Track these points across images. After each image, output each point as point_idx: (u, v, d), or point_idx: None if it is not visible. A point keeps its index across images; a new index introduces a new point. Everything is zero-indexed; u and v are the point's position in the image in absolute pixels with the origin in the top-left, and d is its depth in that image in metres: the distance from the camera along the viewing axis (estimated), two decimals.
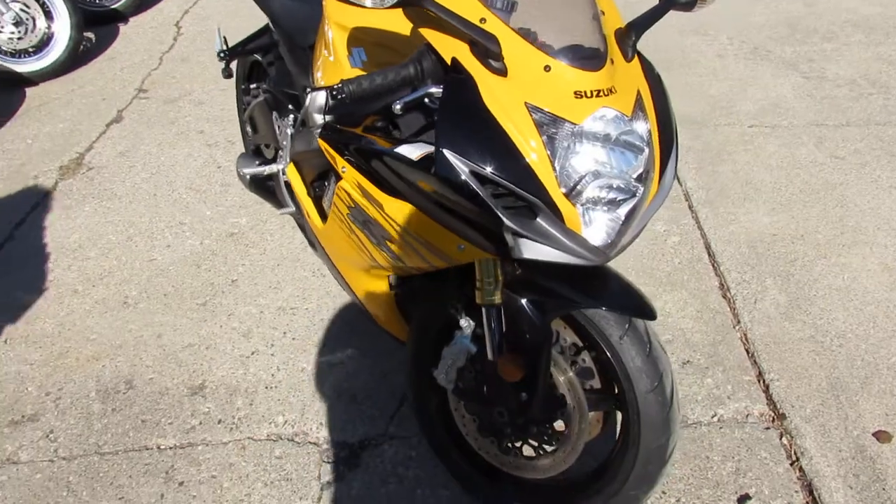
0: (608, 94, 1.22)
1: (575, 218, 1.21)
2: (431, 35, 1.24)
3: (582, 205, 1.21)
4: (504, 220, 1.19)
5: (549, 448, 1.55)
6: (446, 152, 1.18)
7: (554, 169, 1.19)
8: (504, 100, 1.20)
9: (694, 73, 3.68)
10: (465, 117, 1.20)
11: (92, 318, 2.38)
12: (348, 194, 1.49)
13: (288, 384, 2.09)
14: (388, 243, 1.45)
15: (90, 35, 4.51)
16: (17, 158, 3.34)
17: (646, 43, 3.94)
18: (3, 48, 3.93)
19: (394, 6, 1.13)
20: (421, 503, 1.75)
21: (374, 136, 1.43)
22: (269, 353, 2.20)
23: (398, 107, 1.24)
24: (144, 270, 2.57)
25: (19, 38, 3.97)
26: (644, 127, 1.28)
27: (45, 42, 4.05)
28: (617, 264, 2.35)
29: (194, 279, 2.52)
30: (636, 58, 1.36)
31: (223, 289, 2.46)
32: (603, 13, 1.34)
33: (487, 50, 1.19)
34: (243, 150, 2.91)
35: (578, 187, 1.20)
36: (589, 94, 1.20)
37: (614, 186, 1.23)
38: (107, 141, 3.43)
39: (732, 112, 3.31)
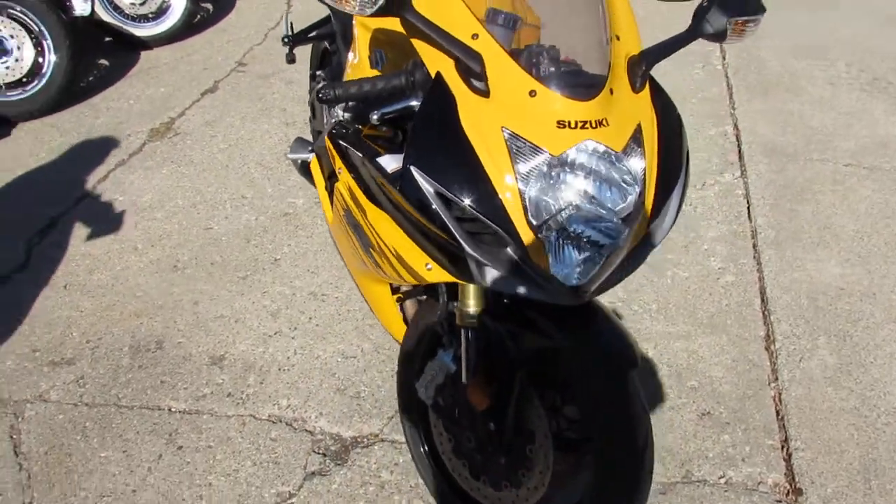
0: (596, 127, 1.14)
1: (540, 253, 1.14)
2: (420, 46, 1.21)
3: (552, 241, 1.15)
4: (464, 246, 1.15)
5: (513, 482, 1.50)
6: (413, 170, 1.15)
7: (523, 200, 1.13)
8: (481, 122, 1.15)
9: (797, 99, 3.40)
10: (438, 136, 1.17)
11: (143, 277, 2.52)
12: (342, 196, 1.49)
13: (300, 369, 2.13)
14: (371, 251, 1.44)
15: (207, 6, 4.76)
16: (118, 117, 3.58)
17: (749, 61, 3.70)
18: (126, 12, 4.22)
19: (374, 14, 1.11)
20: None
21: (374, 140, 1.41)
22: (291, 336, 2.25)
23: (374, 117, 1.22)
24: (199, 238, 2.70)
25: (141, 4, 4.24)
26: (638, 164, 1.19)
27: (163, 10, 4.31)
28: (656, 292, 2.26)
29: (241, 253, 2.61)
30: (647, 87, 1.26)
31: (265, 266, 2.54)
32: (618, 38, 1.25)
33: (469, 68, 1.14)
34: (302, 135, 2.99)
35: (550, 222, 1.14)
36: (573, 125, 1.13)
37: (592, 225, 1.16)
38: (198, 109, 3.62)
39: (829, 147, 3.04)
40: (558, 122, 1.13)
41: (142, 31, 4.27)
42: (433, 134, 1.17)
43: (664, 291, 2.33)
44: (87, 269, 2.57)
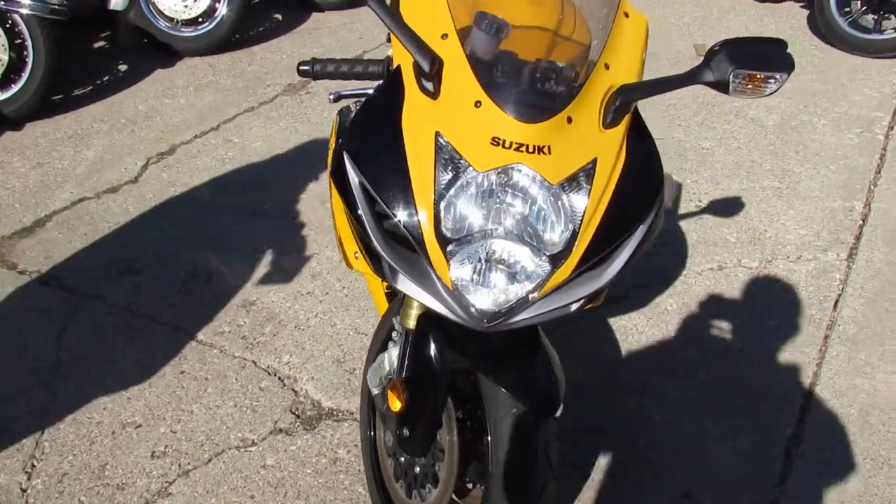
0: (534, 152, 1.09)
1: (444, 270, 1.12)
2: (393, 37, 1.21)
3: (460, 260, 1.12)
4: (375, 244, 1.15)
5: (421, 494, 1.48)
6: (345, 155, 1.17)
7: (437, 211, 1.11)
8: (420, 123, 1.14)
9: None
10: (375, 128, 1.18)
11: (224, 216, 2.75)
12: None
13: (313, 332, 2.23)
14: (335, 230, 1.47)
15: None
16: (265, 67, 3.89)
17: None
18: None
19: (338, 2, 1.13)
20: (338, 488, 1.79)
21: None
22: (319, 299, 2.36)
23: (331, 97, 1.25)
24: (287, 192, 2.88)
25: None
26: (578, 201, 1.12)
27: None
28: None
29: (314, 213, 2.76)
30: (623, 125, 1.18)
31: (329, 230, 2.66)
32: (606, 66, 1.18)
33: (420, 67, 1.13)
34: None
35: (460, 240, 1.11)
36: (507, 145, 1.09)
37: (506, 253, 1.11)
38: None
39: None
40: (493, 139, 1.10)
41: None
42: (372, 125, 1.18)
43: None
44: (181, 199, 2.85)
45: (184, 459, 1.84)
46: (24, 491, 1.76)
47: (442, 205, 1.10)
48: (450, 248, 1.11)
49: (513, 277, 1.13)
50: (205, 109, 3.46)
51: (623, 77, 1.20)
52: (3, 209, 2.76)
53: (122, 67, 3.85)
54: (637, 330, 2.24)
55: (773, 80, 1.16)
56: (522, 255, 1.12)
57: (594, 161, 1.14)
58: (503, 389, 1.26)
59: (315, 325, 2.26)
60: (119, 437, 1.90)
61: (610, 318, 2.28)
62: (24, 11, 3.12)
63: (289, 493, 1.77)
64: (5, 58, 3.19)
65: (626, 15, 1.28)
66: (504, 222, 1.11)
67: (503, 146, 1.09)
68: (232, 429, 1.93)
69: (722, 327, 2.26)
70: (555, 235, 1.12)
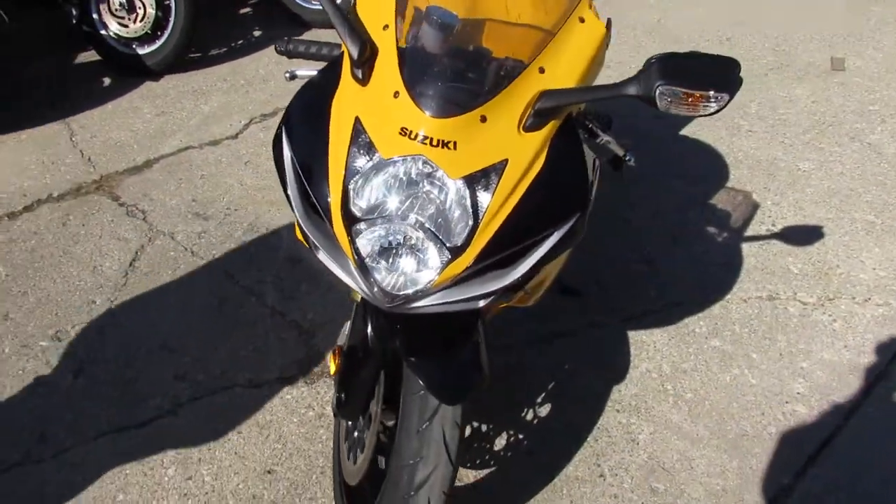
0: (438, 146, 1.14)
1: (346, 245, 1.19)
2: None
3: (360, 239, 1.18)
4: (296, 216, 1.25)
5: (356, 455, 1.57)
6: (283, 130, 1.27)
7: (345, 190, 1.18)
8: (345, 107, 1.22)
9: None
10: (309, 108, 1.26)
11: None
12: None
13: (341, 297, 2.37)
14: None
15: None
16: None
17: None
18: None
19: None
20: (315, 440, 1.92)
21: None
22: None
23: (287, 75, 1.35)
24: None
25: None
26: (483, 198, 1.14)
27: None
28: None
29: None
30: (543, 131, 1.18)
31: None
32: (541, 70, 1.20)
33: (351, 55, 1.20)
34: None
35: (370, 220, 1.18)
36: (413, 136, 1.15)
37: (413, 241, 1.17)
38: None
39: None
40: (402, 129, 1.15)
41: None
42: (307, 105, 1.27)
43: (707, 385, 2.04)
44: (268, 158, 3.09)
45: (197, 387, 2.06)
46: (67, 387, 2.06)
47: (351, 185, 1.18)
48: (358, 226, 1.18)
49: (421, 264, 1.18)
50: None
51: (558, 83, 1.20)
52: (123, 148, 3.15)
53: (256, 33, 4.20)
54: (654, 347, 2.17)
55: (712, 100, 1.12)
56: (427, 244, 1.17)
57: (504, 162, 1.15)
58: (413, 371, 1.31)
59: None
60: (153, 357, 2.15)
61: (630, 330, 2.22)
62: None
63: (271, 435, 1.93)
64: (153, 13, 3.60)
65: (582, 20, 1.27)
66: (410, 210, 1.16)
67: (409, 137, 1.14)
68: (244, 369, 2.12)
69: (745, 362, 2.12)
70: (456, 228, 1.16)
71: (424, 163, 1.14)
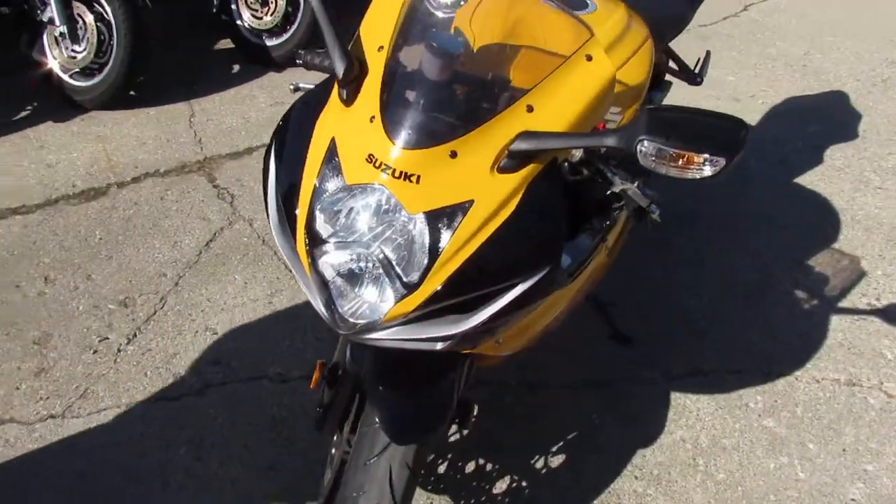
0: (401, 178, 1.09)
1: (306, 264, 1.17)
2: None
3: (328, 262, 1.16)
4: (272, 229, 1.25)
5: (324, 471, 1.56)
6: (273, 142, 1.27)
7: (311, 210, 1.16)
8: (327, 126, 1.20)
9: None
10: (297, 123, 1.25)
11: None
12: None
13: None
14: None
15: None
16: None
17: None
18: None
19: None
20: (323, 445, 1.93)
21: None
22: None
23: (291, 87, 1.35)
24: None
25: None
26: (439, 237, 1.08)
27: None
28: None
29: None
30: (519, 175, 1.10)
31: None
32: (529, 108, 1.12)
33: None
34: None
35: (333, 244, 1.16)
36: (377, 165, 1.11)
37: (374, 271, 1.13)
38: None
39: None
40: (369, 156, 1.12)
41: None
42: (297, 119, 1.26)
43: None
44: None
45: (229, 373, 2.15)
46: (118, 350, 2.22)
47: (318, 206, 1.15)
48: (323, 247, 1.16)
49: (380, 295, 1.14)
50: None
51: (545, 124, 1.11)
52: (232, 133, 3.35)
53: None
54: (696, 415, 1.97)
55: (706, 164, 0.99)
56: (385, 276, 1.13)
57: (470, 202, 1.08)
58: (371, 401, 1.28)
59: None
60: (199, 337, 2.27)
61: (674, 391, 2.04)
62: None
63: (283, 433, 1.97)
64: (283, 6, 3.78)
65: (589, 58, 1.16)
66: (374, 239, 1.13)
67: (374, 165, 1.11)
68: (276, 363, 2.18)
69: (798, 451, 1.88)
70: (413, 265, 1.11)
71: (384, 193, 1.10)
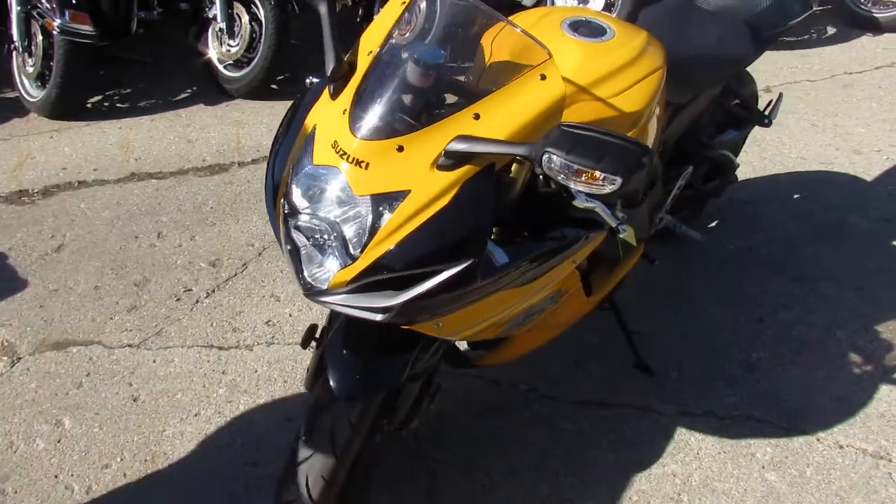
0: (354, 164, 1.26)
1: (280, 232, 1.37)
2: None
3: (289, 231, 1.34)
4: (266, 201, 1.45)
5: None
6: (280, 125, 1.48)
7: (288, 185, 1.35)
8: (315, 114, 1.39)
9: None
10: (295, 114, 1.44)
11: None
12: None
13: None
14: None
15: None
16: None
17: None
18: None
19: None
20: None
21: None
22: None
23: (308, 82, 1.54)
24: None
25: None
26: (381, 219, 1.23)
27: None
28: None
29: None
30: (455, 174, 1.22)
31: None
32: (476, 116, 1.25)
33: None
34: None
35: (303, 214, 1.34)
36: (338, 150, 1.28)
37: (332, 241, 1.29)
38: None
39: None
40: (334, 142, 1.29)
41: None
42: (301, 105, 1.46)
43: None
44: None
45: (279, 335, 2.41)
46: (196, 301, 2.56)
47: (293, 181, 1.34)
48: (298, 217, 1.34)
49: (334, 264, 1.31)
50: None
51: (487, 131, 1.22)
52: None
53: None
54: (695, 454, 1.93)
55: (606, 182, 1.07)
56: (338, 248, 1.29)
57: (407, 192, 1.22)
58: (327, 352, 1.45)
59: None
60: (263, 302, 2.56)
61: (681, 427, 2.00)
62: None
63: (306, 394, 2.18)
64: (247, 27, 3.81)
65: (543, 77, 1.25)
66: (330, 213, 1.30)
67: (336, 150, 1.28)
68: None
69: None
70: (354, 240, 1.26)
71: (338, 175, 1.26)
